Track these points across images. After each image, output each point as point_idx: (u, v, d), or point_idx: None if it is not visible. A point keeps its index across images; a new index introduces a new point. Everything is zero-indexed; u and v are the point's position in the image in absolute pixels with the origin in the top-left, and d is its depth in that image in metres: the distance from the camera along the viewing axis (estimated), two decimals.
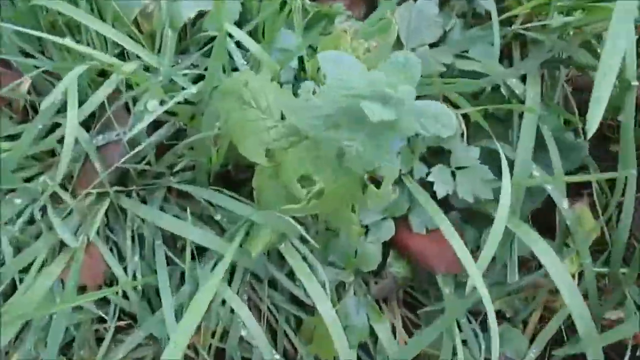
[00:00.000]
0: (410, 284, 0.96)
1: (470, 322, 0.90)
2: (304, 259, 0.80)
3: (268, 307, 0.91)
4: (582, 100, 0.95)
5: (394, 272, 0.91)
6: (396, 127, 0.56)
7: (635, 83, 0.73)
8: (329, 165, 0.65)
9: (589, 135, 0.60)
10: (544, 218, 0.92)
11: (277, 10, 0.82)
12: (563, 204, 0.81)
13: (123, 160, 0.78)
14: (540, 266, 0.91)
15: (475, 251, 0.95)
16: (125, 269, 0.82)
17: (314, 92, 0.67)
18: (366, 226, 0.87)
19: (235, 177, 0.92)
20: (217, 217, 0.86)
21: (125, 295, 0.83)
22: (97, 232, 0.82)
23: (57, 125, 0.83)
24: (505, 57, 0.91)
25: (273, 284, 0.91)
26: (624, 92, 0.74)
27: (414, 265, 0.92)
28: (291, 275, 0.87)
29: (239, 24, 0.89)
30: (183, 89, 0.81)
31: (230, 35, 0.78)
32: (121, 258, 0.84)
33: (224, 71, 0.81)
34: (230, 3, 0.83)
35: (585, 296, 0.89)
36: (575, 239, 0.82)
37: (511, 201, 0.80)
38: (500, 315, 0.93)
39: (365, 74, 0.58)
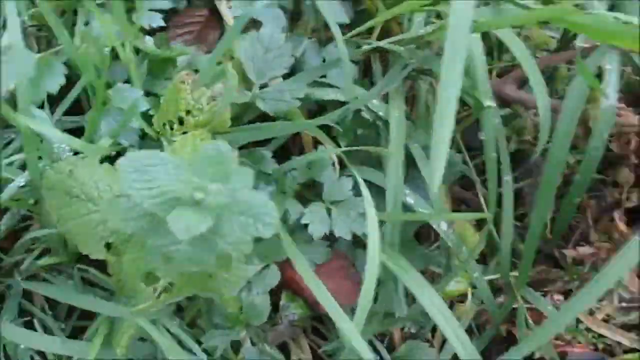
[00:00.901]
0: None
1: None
2: (173, 335, 0.74)
3: None
4: None
5: (290, 315, 0.87)
6: (217, 232, 0.50)
7: (490, 104, 0.69)
8: (166, 263, 0.59)
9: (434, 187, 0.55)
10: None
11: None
12: (442, 226, 0.78)
13: None
14: None
15: None
16: None
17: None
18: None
19: None
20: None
21: None
22: None
23: None
24: (367, 73, 0.86)
25: None
26: (477, 112, 0.70)
27: (312, 303, 0.88)
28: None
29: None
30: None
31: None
32: None
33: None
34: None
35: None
36: (460, 257, 0.80)
37: (385, 232, 0.77)
38: (404, 332, 0.92)
39: (174, 173, 0.51)
